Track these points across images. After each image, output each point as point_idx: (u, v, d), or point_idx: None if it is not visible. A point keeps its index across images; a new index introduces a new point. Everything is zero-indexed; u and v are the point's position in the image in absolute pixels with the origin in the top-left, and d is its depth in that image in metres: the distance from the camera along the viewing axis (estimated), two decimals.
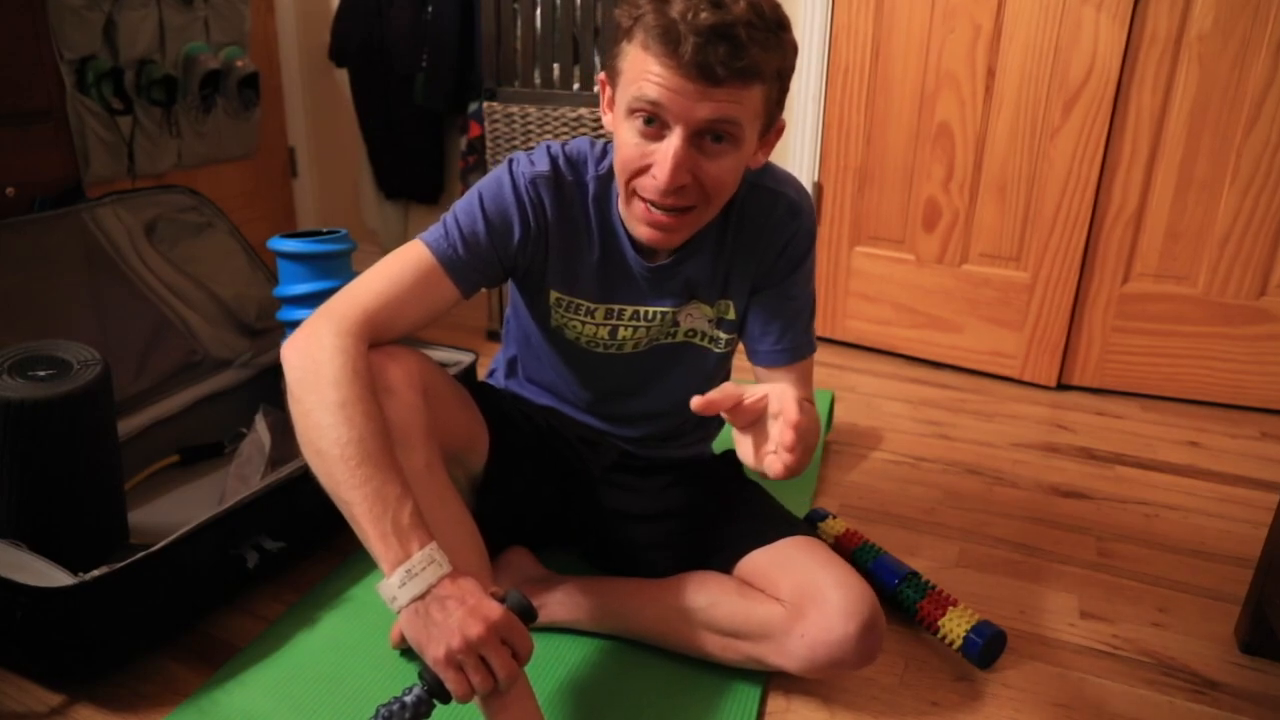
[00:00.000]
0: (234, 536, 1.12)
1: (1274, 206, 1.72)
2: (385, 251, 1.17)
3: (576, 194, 1.01)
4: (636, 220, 0.93)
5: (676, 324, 1.07)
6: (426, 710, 0.77)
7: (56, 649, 0.99)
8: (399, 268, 0.94)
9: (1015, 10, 1.79)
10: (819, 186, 2.13)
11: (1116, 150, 1.79)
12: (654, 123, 0.85)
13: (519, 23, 1.96)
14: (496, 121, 2.01)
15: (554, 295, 1.05)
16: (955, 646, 1.09)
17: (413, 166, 2.48)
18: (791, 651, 0.94)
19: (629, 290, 1.04)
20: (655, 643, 1.07)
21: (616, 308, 1.05)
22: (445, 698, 0.77)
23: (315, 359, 0.84)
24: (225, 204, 1.86)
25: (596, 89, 1.94)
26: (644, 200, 0.90)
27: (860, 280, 2.15)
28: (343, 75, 2.48)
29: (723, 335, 1.09)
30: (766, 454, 0.76)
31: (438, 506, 0.88)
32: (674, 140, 0.85)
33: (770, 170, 1.04)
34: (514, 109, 1.98)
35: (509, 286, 1.12)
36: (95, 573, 0.95)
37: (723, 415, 0.78)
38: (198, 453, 1.50)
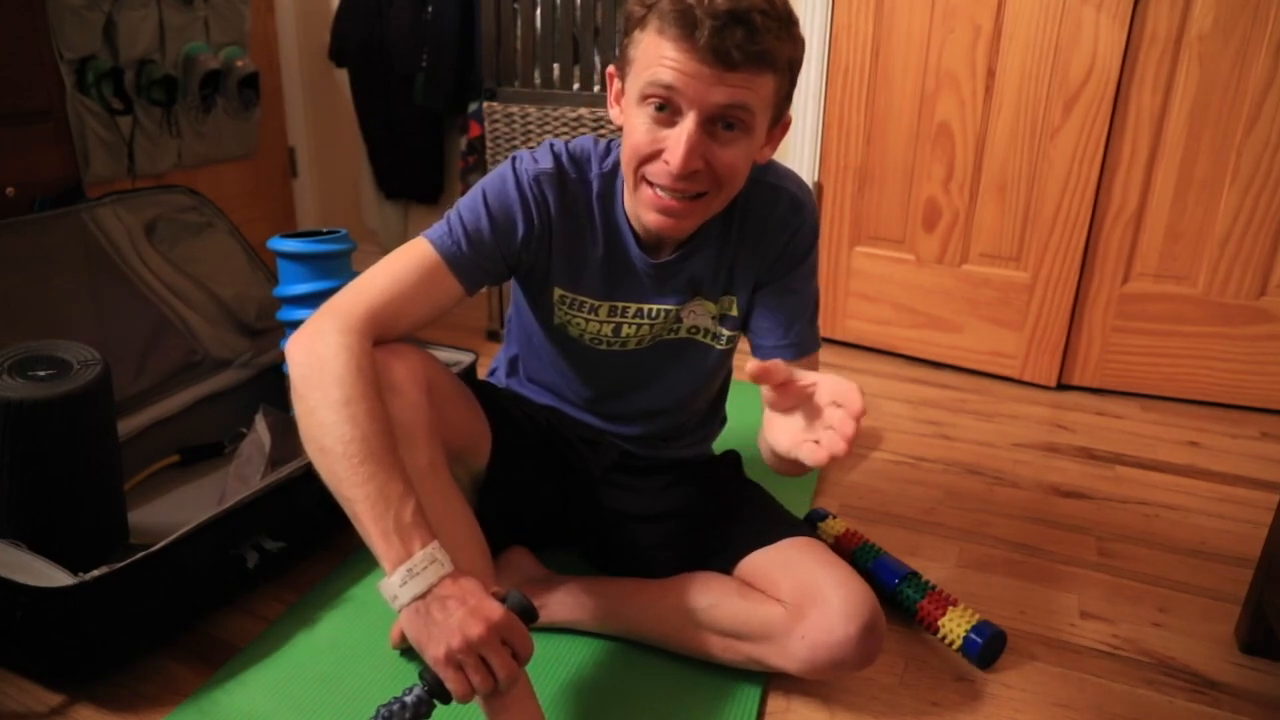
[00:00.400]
0: (234, 536, 1.12)
1: (1274, 206, 1.72)
2: (385, 252, 1.17)
3: (580, 191, 1.01)
4: (645, 207, 0.92)
5: (679, 320, 1.07)
6: (427, 710, 0.77)
7: (56, 649, 0.99)
8: (403, 265, 0.94)
9: (1015, 10, 1.79)
10: (819, 186, 2.13)
11: (1116, 150, 1.79)
12: (666, 109, 0.85)
13: (519, 23, 1.96)
14: (496, 121, 2.01)
15: (557, 292, 1.05)
16: (955, 646, 1.09)
17: (413, 166, 2.47)
18: (792, 652, 0.94)
19: (633, 287, 1.04)
20: (656, 643, 1.07)
21: (620, 305, 1.05)
22: (445, 698, 0.77)
23: (320, 356, 0.84)
24: (225, 204, 1.86)
25: (597, 88, 1.96)
26: (653, 186, 0.89)
27: (860, 280, 2.15)
28: (343, 75, 2.48)
29: (725, 332, 1.09)
30: (806, 441, 0.75)
31: (440, 505, 0.88)
32: (687, 124, 0.84)
33: (773, 167, 1.03)
34: (514, 109, 1.98)
35: (510, 286, 1.12)
36: (95, 573, 0.95)
37: (765, 394, 0.78)
38: (198, 453, 1.50)
